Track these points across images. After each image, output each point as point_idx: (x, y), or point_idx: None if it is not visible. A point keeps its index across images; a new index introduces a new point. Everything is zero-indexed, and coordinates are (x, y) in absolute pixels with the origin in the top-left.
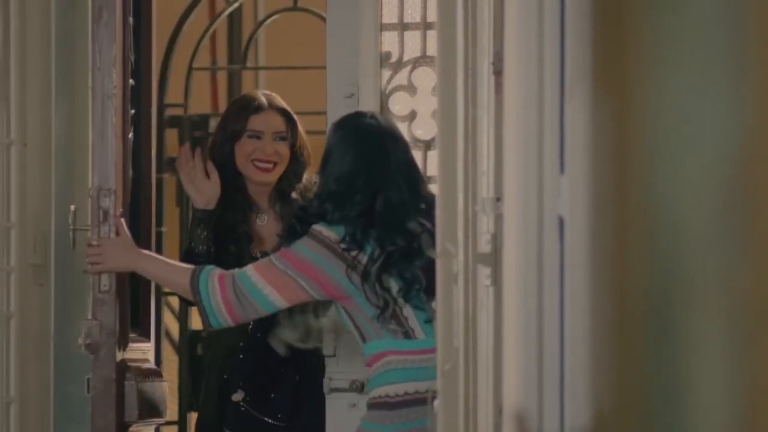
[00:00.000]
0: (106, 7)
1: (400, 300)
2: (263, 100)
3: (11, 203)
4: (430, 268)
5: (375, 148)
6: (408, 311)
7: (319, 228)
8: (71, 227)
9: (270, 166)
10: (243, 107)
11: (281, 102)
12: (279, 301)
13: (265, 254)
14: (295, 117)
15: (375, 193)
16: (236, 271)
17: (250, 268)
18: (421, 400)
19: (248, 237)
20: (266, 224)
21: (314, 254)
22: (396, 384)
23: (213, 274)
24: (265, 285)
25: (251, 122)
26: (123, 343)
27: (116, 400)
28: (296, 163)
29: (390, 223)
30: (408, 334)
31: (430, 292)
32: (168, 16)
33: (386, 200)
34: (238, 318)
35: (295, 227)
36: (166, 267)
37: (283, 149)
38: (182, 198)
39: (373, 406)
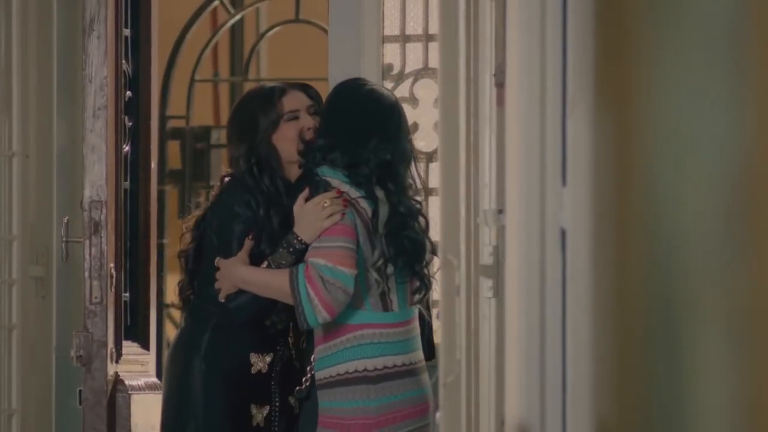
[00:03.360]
0: (98, 20)
1: (390, 267)
2: (280, 83)
3: (13, 216)
4: (416, 244)
5: (392, 114)
6: (392, 281)
7: (336, 186)
8: (64, 239)
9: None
10: (267, 96)
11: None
12: (351, 272)
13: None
14: (311, 86)
15: (386, 154)
16: (312, 264)
17: (315, 258)
18: (402, 373)
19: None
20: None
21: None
22: (374, 358)
23: (303, 275)
24: (334, 264)
25: (286, 104)
26: (116, 355)
27: (107, 413)
28: None
29: (395, 184)
30: (387, 306)
31: (411, 269)
32: (170, 28)
33: (394, 163)
34: (333, 309)
35: (317, 185)
36: (263, 276)
37: (317, 123)
38: (184, 209)
39: (348, 381)
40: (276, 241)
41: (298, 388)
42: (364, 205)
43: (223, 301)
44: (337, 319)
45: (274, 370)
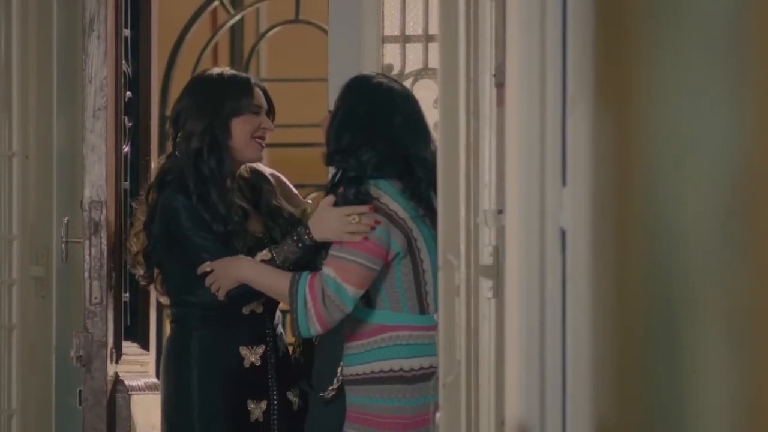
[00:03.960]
0: (98, 20)
1: (431, 269)
2: (251, 78)
3: (13, 215)
4: None
5: (408, 108)
6: (430, 284)
7: (375, 195)
8: (63, 239)
9: (264, 142)
10: (243, 83)
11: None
12: (357, 292)
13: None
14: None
15: (409, 153)
16: (322, 274)
17: (328, 268)
18: (435, 375)
19: (246, 221)
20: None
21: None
22: (410, 359)
23: (306, 283)
24: (340, 282)
25: (255, 97)
26: (116, 356)
27: (107, 413)
28: None
29: (428, 183)
30: (424, 309)
31: None
32: (170, 28)
33: (421, 161)
34: (326, 324)
35: (346, 196)
36: (266, 274)
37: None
38: None
39: (383, 379)
40: (230, 223)
41: (321, 395)
42: (410, 224)
43: (223, 299)
44: (373, 319)
45: (268, 362)
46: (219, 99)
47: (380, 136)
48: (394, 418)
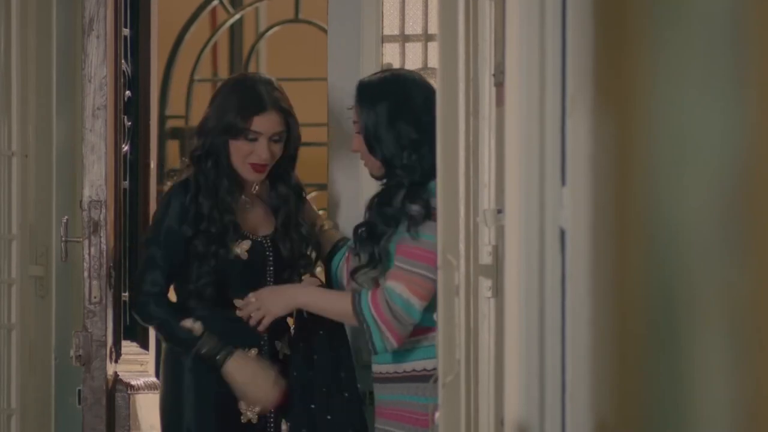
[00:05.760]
0: (97, 19)
1: None
2: (267, 99)
3: (12, 215)
4: None
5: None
6: None
7: (433, 205)
8: (63, 239)
9: (263, 167)
10: (247, 106)
11: (283, 99)
12: (422, 305)
13: (254, 236)
14: (294, 113)
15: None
16: (385, 288)
17: (394, 282)
18: None
19: (236, 225)
20: (253, 208)
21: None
22: None
23: (368, 301)
24: (409, 295)
25: (253, 123)
26: (115, 355)
27: (107, 412)
28: (289, 155)
29: None
30: None
31: None
32: (169, 28)
33: None
34: (401, 337)
35: (384, 213)
36: (325, 297)
37: (277, 150)
38: None
39: (423, 377)
40: (224, 239)
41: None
42: None
43: (263, 331)
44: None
45: None
46: (221, 115)
47: (422, 136)
48: (424, 414)
